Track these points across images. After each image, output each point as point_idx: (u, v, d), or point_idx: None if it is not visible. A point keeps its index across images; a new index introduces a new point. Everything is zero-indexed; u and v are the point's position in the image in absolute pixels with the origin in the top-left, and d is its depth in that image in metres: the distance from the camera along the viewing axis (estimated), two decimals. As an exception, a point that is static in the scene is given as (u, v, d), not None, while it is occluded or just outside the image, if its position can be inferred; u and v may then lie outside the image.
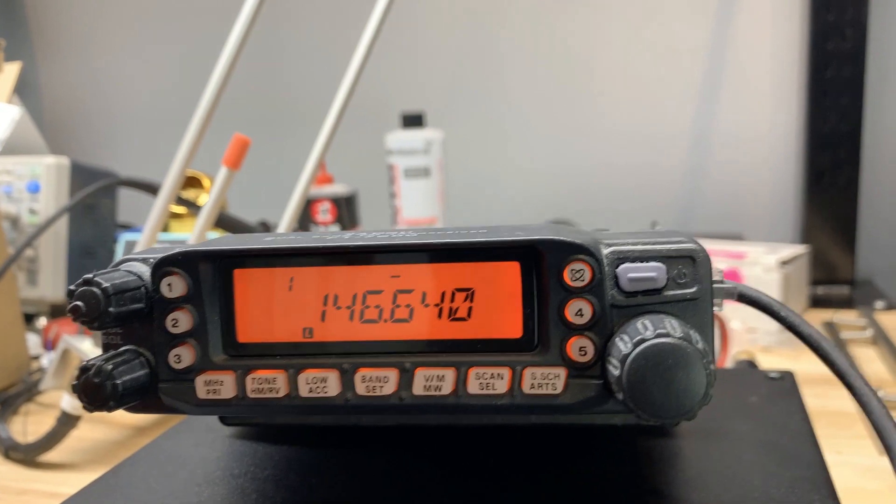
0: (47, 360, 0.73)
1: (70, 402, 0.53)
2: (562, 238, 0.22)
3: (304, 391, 0.23)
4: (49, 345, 0.76)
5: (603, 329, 0.22)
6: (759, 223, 0.99)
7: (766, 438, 0.31)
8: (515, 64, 1.04)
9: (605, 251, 0.22)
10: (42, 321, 0.85)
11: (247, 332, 0.24)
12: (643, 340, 0.20)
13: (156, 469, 0.32)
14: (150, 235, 0.56)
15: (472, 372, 0.23)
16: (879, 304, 0.83)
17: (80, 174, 0.91)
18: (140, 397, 0.24)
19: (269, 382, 0.23)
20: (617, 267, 0.22)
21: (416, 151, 0.91)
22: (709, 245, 0.24)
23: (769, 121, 0.97)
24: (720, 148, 0.99)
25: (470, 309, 0.23)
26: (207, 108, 0.55)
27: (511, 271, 0.23)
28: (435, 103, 1.01)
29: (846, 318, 0.78)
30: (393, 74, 1.05)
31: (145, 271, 0.24)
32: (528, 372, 0.22)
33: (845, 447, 0.49)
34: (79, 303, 0.22)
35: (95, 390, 0.22)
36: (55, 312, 0.89)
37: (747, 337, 0.72)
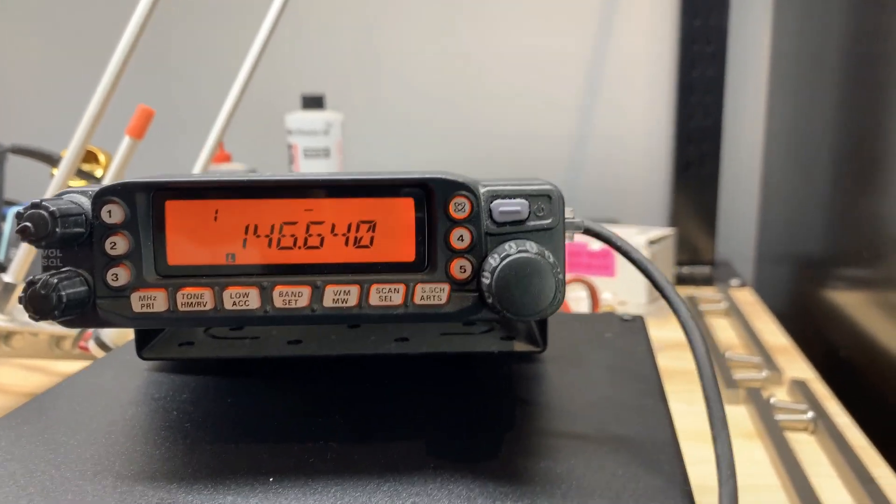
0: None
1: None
2: (448, 177, 0.27)
3: (228, 304, 0.27)
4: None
5: (479, 252, 0.27)
6: (634, 209, 1.07)
7: (615, 363, 0.38)
8: (412, 54, 1.09)
9: (482, 190, 0.27)
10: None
11: (176, 256, 0.28)
12: (508, 255, 0.26)
13: (79, 395, 0.35)
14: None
15: (374, 288, 0.27)
16: (734, 281, 0.94)
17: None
18: (80, 310, 0.27)
19: (197, 297, 0.27)
20: (491, 202, 0.27)
21: (316, 132, 0.95)
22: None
23: (644, 117, 1.05)
24: (600, 141, 1.07)
25: (372, 238, 0.28)
26: (111, 80, 0.54)
27: (407, 206, 0.28)
28: (334, 86, 1.04)
29: (705, 293, 0.87)
30: (293, 55, 1.07)
31: (85, 202, 0.27)
32: (419, 287, 0.27)
33: (695, 400, 0.56)
34: (28, 224, 0.25)
35: (42, 301, 0.25)
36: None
37: (619, 309, 0.80)
